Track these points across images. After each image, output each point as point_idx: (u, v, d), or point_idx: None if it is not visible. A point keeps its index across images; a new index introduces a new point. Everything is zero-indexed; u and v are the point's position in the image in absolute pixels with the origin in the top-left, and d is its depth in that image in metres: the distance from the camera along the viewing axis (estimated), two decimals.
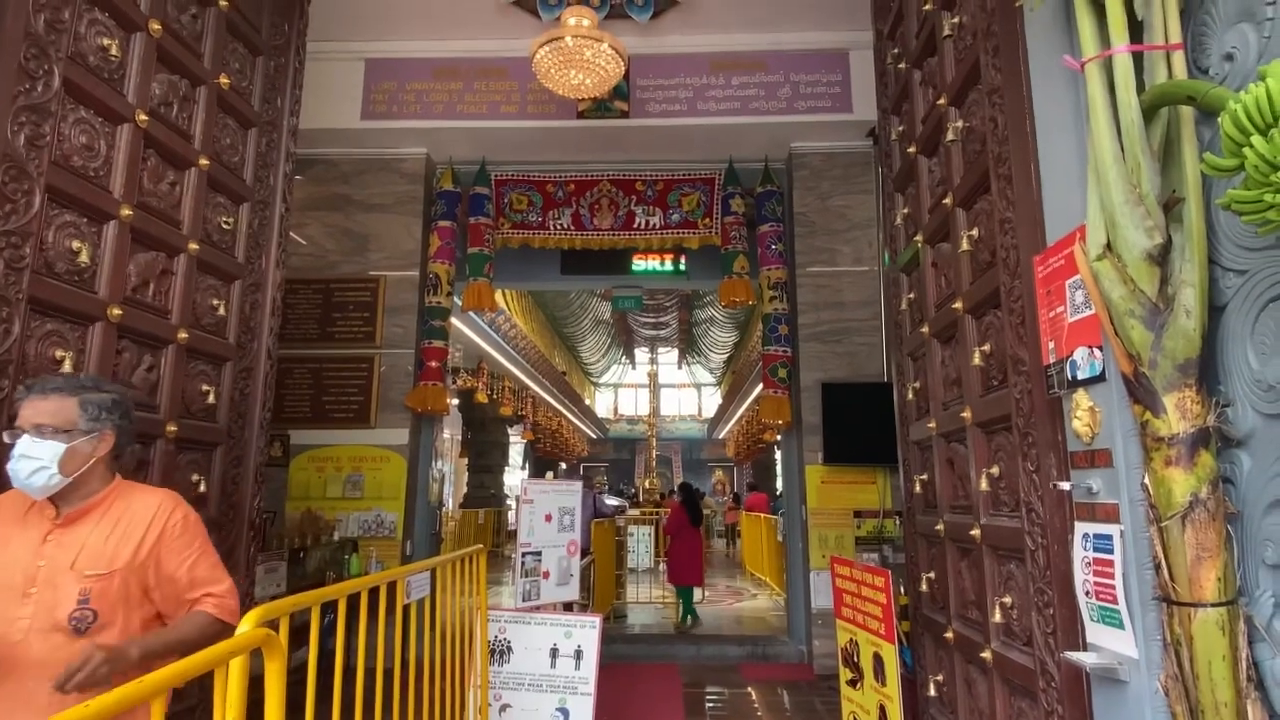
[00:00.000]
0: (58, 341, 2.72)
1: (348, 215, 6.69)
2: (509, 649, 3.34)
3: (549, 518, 3.48)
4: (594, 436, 30.18)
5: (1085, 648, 1.85)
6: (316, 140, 6.38)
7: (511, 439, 23.63)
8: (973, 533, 2.62)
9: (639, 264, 7.94)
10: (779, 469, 27.04)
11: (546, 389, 18.56)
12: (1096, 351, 1.81)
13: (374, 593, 2.17)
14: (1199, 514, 1.50)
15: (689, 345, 26.09)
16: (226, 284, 3.68)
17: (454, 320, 10.52)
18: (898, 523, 6.11)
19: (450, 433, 21.75)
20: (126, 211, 3.00)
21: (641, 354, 28.27)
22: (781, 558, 9.92)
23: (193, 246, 3.37)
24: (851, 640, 3.75)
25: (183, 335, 3.32)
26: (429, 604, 2.53)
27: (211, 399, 3.51)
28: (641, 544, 11.40)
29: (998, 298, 2.44)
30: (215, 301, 3.58)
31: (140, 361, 3.14)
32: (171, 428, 3.24)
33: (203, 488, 3.42)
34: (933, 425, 3.09)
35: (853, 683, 3.75)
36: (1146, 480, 1.60)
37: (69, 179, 2.77)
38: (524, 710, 3.29)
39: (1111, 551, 1.71)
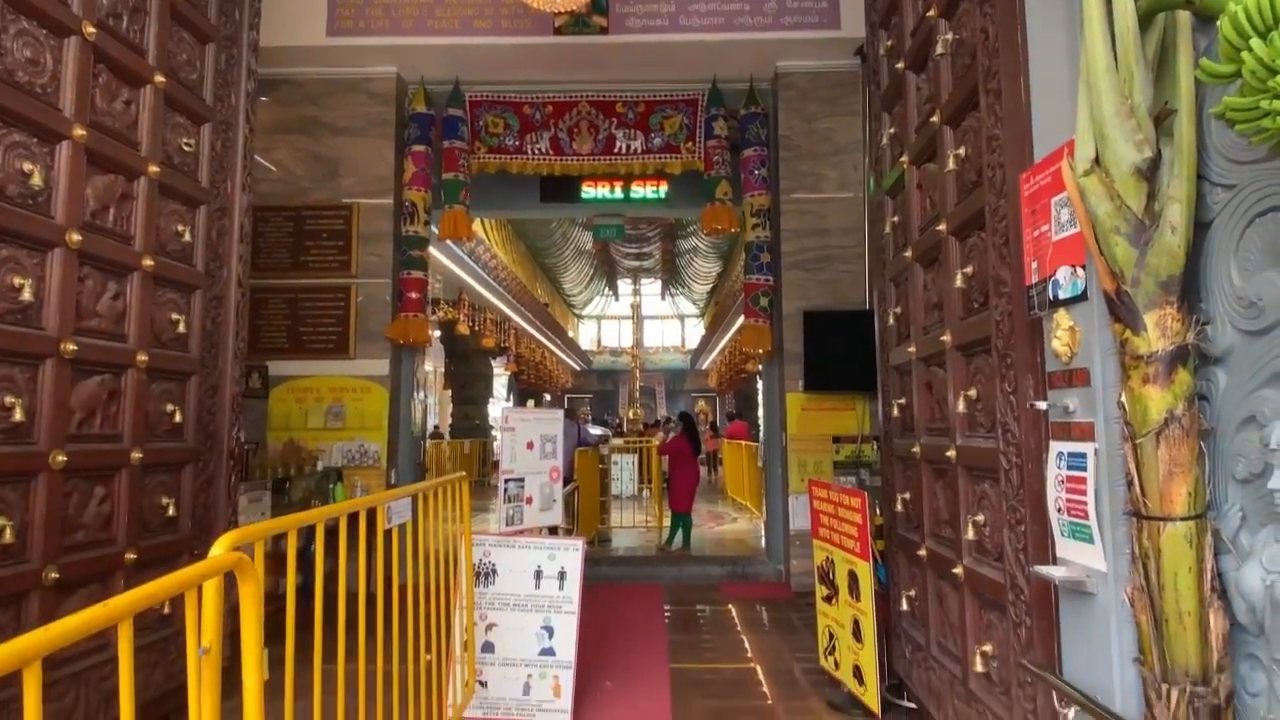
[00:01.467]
0: (15, 269, 2.62)
1: (317, 139, 6.44)
2: (494, 572, 3.40)
3: (531, 445, 3.49)
4: (577, 368, 30.25)
5: (1055, 563, 1.89)
6: (280, 59, 6.09)
7: (495, 372, 23.66)
8: (949, 454, 2.65)
9: (614, 191, 7.75)
10: (760, 398, 27.46)
11: (529, 320, 18.47)
12: (1079, 270, 1.79)
13: (355, 519, 2.17)
14: (1173, 430, 1.51)
15: (672, 276, 25.91)
16: (191, 209, 3.55)
17: (432, 250, 10.35)
18: (875, 447, 6.22)
19: (433, 365, 21.72)
20: (79, 131, 2.85)
21: (624, 285, 28.08)
22: (761, 483, 10.14)
23: (153, 169, 3.23)
24: (828, 559, 3.86)
25: (148, 262, 3.22)
26: (413, 529, 2.54)
27: (182, 328, 3.43)
28: (625, 472, 11.59)
29: (982, 218, 2.41)
30: (180, 227, 3.46)
31: (105, 289, 3.05)
32: (142, 357, 3.18)
33: (178, 417, 3.38)
34: (913, 350, 3.09)
35: (828, 599, 3.88)
36: (1123, 398, 1.60)
37: (15, 96, 2.62)
38: (509, 629, 3.37)
39: (1085, 469, 1.73)
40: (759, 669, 4.26)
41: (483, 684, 3.32)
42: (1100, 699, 1.65)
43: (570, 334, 27.94)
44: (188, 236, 3.48)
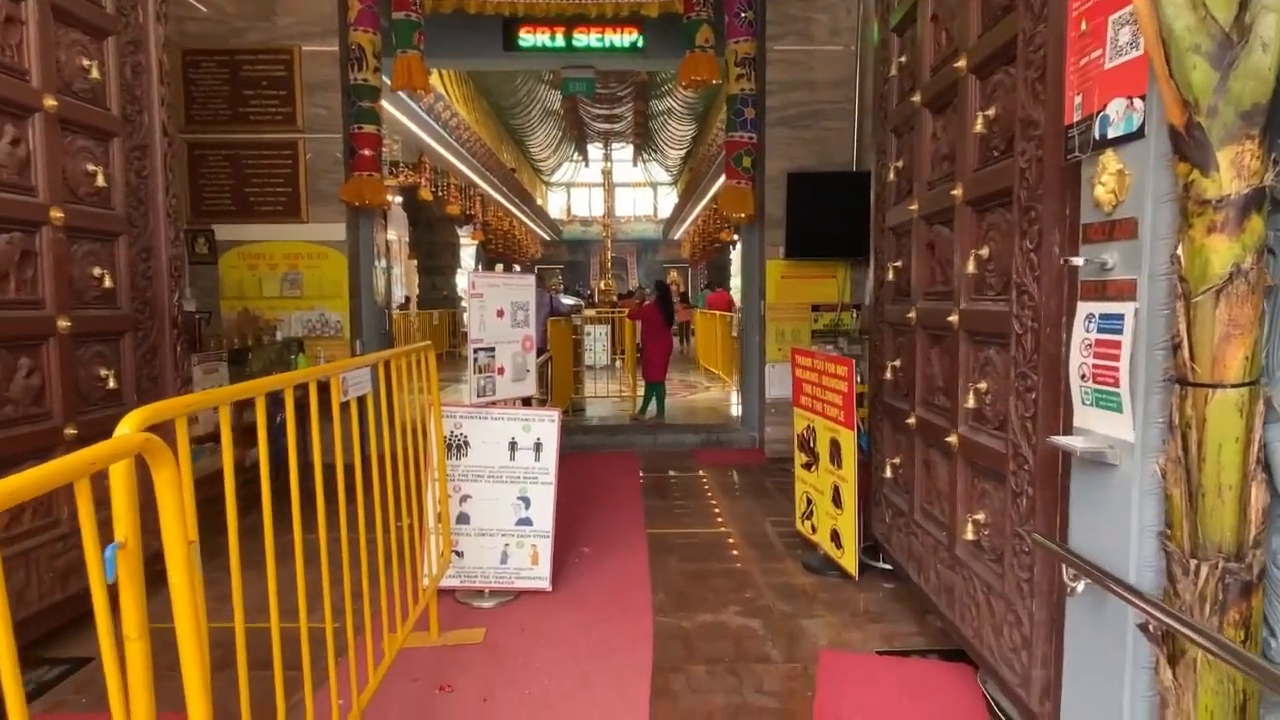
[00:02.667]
0: None
1: None
2: (466, 444, 3.26)
3: (501, 313, 3.25)
4: (547, 238, 29.52)
5: (1069, 433, 1.76)
6: None
7: (463, 241, 22.89)
8: (950, 319, 2.48)
9: (584, 39, 7.09)
10: (733, 268, 27.16)
11: (495, 187, 17.67)
12: (1136, 102, 1.54)
13: (305, 393, 1.96)
14: (1237, 287, 1.32)
15: (645, 141, 24.86)
16: (96, 40, 3.06)
17: (386, 105, 9.60)
18: (855, 315, 6.10)
19: (397, 233, 20.90)
20: None
21: (595, 150, 26.93)
22: (734, 353, 10.11)
23: None
24: (809, 427, 3.79)
25: (50, 102, 2.79)
26: (375, 401, 2.34)
27: (101, 181, 3.05)
28: (599, 343, 11.47)
29: (1012, 50, 2.10)
30: (86, 61, 2.99)
31: (1, 133, 2.64)
32: (57, 213, 2.82)
33: (108, 282, 3.07)
34: (914, 207, 2.85)
35: (808, 466, 3.84)
36: (1179, 250, 1.40)
37: None
38: (484, 500, 3.28)
39: (1119, 331, 1.56)
40: (734, 532, 4.29)
41: (459, 554, 3.26)
42: (1112, 572, 1.56)
43: (539, 202, 27.02)
44: (95, 73, 3.02)
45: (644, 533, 4.27)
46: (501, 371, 3.28)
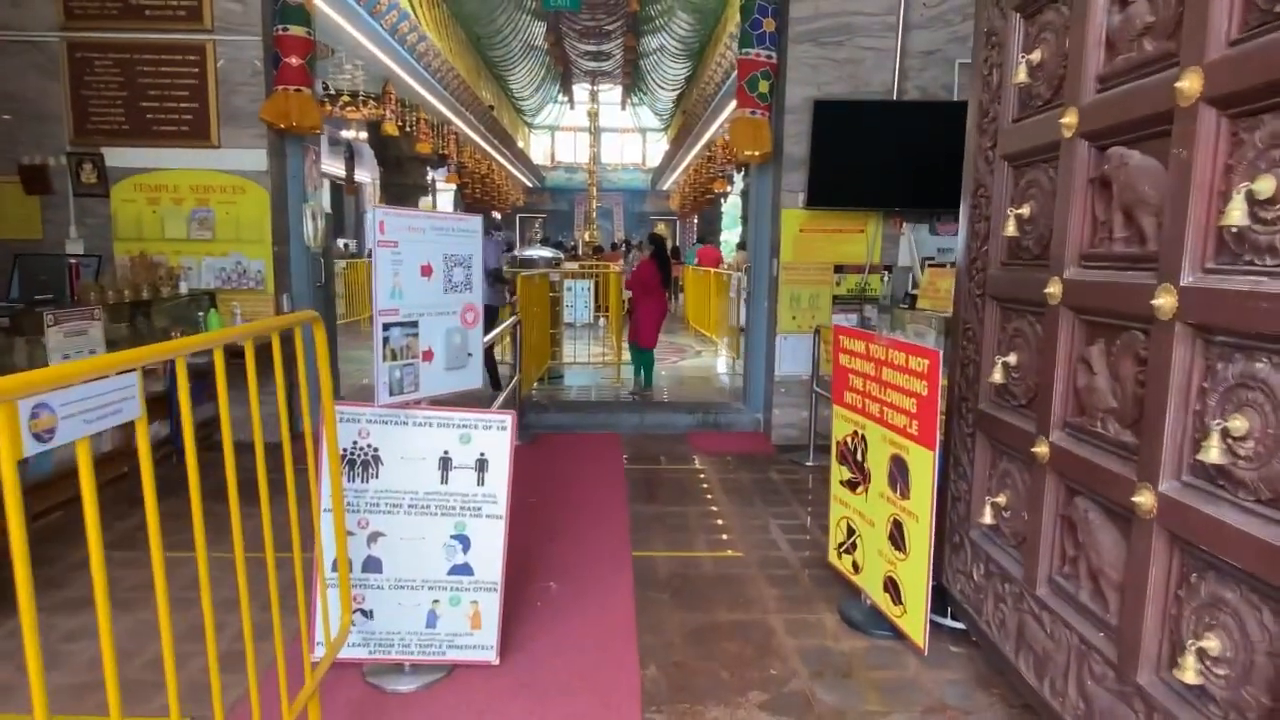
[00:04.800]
0: None
1: None
2: (375, 459, 2.25)
3: (428, 270, 2.21)
4: (530, 185, 28.00)
5: None
6: None
7: (440, 186, 21.37)
8: (1156, 302, 1.48)
9: None
10: (724, 222, 25.92)
11: (472, 125, 16.24)
12: None
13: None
14: None
15: (635, 81, 23.29)
16: None
17: (342, 22, 8.29)
18: (884, 279, 5.09)
19: (370, 175, 19.47)
20: None
21: (581, 91, 25.30)
22: (728, 315, 9.09)
23: None
24: (856, 434, 2.81)
25: None
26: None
27: None
28: (580, 299, 10.40)
29: None
30: None
31: None
32: None
33: None
34: (1069, 120, 1.82)
35: (852, 485, 2.88)
36: None
37: None
38: (403, 539, 2.28)
39: None
40: (744, 556, 3.35)
41: (365, 614, 2.28)
42: None
43: (520, 144, 25.49)
44: None
45: (629, 555, 3.32)
46: (429, 357, 2.25)
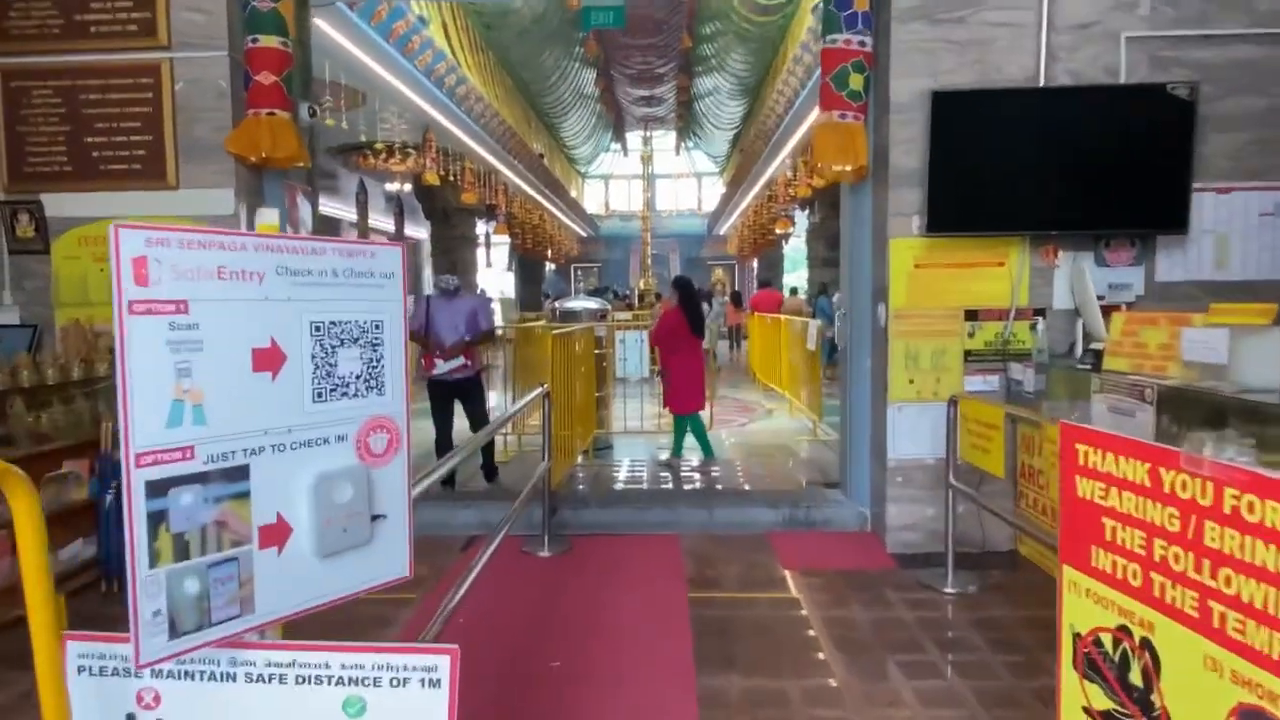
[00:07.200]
0: None
1: None
2: None
3: (268, 358, 1.04)
4: (584, 234, 27.38)
5: None
6: None
7: (494, 241, 20.68)
8: None
9: None
10: (786, 264, 24.61)
11: (520, 174, 15.53)
12: None
13: None
14: None
15: (689, 125, 22.52)
16: None
17: (368, 61, 7.54)
18: (1036, 327, 3.76)
19: (426, 231, 18.60)
20: None
21: (634, 139, 24.69)
22: (806, 367, 7.79)
23: None
24: (1127, 633, 1.50)
25: None
26: None
27: None
28: (633, 352, 9.28)
29: None
30: None
31: None
32: None
33: None
34: None
35: (1115, 717, 1.55)
36: None
37: None
38: None
39: None
40: None
41: None
42: None
43: (574, 194, 24.91)
44: None
45: None
46: (277, 536, 1.08)
